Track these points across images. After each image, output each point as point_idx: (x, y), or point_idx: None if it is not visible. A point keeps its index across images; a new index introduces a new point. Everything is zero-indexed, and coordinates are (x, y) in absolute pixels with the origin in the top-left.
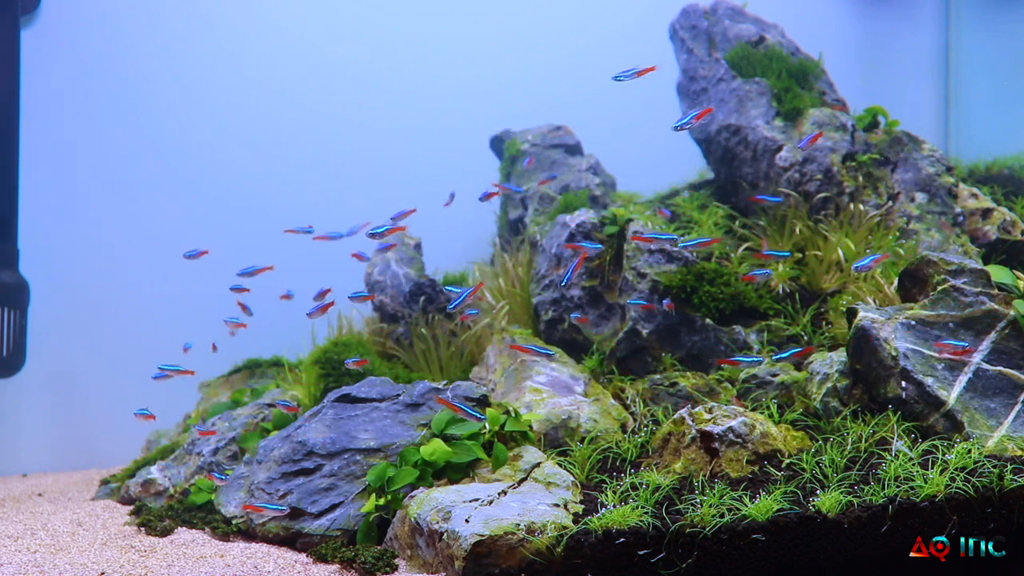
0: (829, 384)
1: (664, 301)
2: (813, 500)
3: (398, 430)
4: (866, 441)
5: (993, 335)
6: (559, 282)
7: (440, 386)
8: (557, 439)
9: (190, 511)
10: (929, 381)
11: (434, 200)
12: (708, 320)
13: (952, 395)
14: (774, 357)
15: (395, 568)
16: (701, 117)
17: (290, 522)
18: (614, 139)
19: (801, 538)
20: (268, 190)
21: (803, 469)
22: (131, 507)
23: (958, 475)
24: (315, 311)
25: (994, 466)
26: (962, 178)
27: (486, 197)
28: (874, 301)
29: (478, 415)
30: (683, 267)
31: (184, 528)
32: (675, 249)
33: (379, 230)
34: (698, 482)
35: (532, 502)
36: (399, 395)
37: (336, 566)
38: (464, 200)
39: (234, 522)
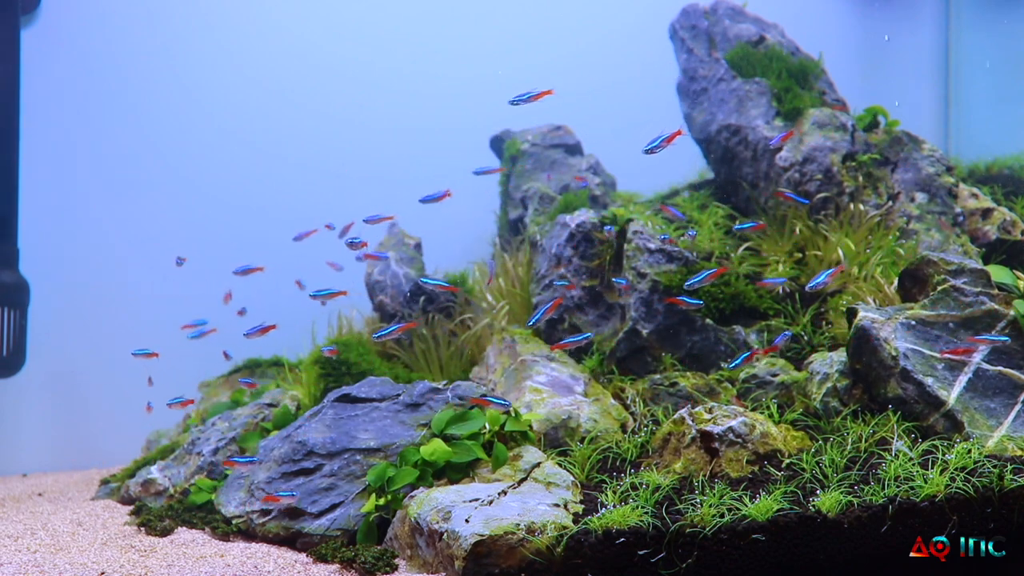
0: (829, 384)
1: (681, 298)
2: (813, 500)
3: (398, 430)
4: (866, 441)
5: (993, 335)
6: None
7: (440, 386)
8: (557, 439)
9: (190, 511)
10: (929, 381)
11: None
12: (708, 320)
13: (952, 395)
14: (731, 365)
15: (395, 568)
16: (671, 140)
17: (290, 522)
18: (614, 139)
19: (801, 538)
20: (268, 190)
21: (803, 469)
22: (131, 507)
23: (958, 475)
24: (253, 332)
25: (994, 466)
26: (962, 178)
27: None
28: (874, 301)
29: (505, 403)
30: (683, 267)
31: (184, 528)
32: (675, 249)
33: (355, 241)
34: (698, 482)
35: (532, 502)
36: (399, 395)
37: (336, 566)
38: (464, 200)
39: (234, 522)
